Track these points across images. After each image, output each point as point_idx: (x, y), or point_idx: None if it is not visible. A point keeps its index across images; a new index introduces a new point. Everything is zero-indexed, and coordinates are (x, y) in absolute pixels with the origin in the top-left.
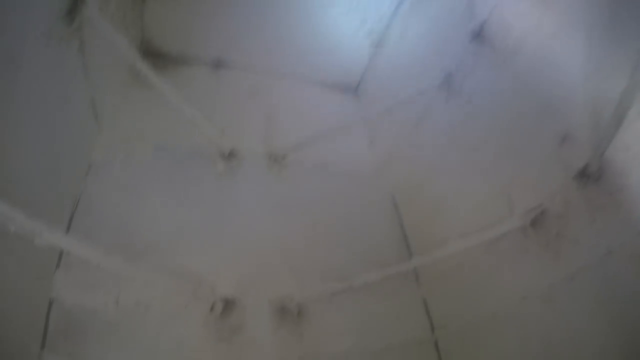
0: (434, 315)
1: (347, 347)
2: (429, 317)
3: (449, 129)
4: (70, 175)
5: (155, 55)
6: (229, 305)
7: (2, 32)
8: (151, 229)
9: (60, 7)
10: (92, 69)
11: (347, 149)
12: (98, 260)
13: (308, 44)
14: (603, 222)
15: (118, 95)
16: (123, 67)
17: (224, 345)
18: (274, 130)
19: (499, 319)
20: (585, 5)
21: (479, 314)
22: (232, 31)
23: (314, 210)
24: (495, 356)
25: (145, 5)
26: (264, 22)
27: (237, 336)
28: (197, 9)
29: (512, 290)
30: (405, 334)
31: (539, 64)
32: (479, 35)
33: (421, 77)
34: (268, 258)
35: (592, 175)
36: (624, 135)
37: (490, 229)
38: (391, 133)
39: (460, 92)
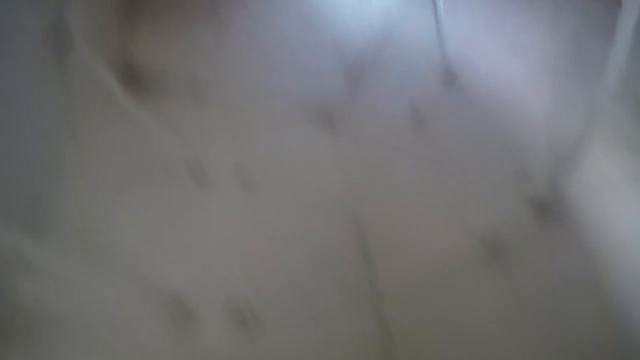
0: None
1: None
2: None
3: (417, 157)
4: (43, 184)
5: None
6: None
7: None
8: (117, 235)
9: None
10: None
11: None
12: (61, 262)
13: (287, 73)
14: (559, 252)
15: (96, 116)
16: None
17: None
18: (244, 148)
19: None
20: (550, 52)
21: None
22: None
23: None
24: None
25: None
26: (250, 51)
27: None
28: None
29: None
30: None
31: (506, 102)
32: (448, 73)
33: (393, 113)
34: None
35: (547, 208)
36: (580, 172)
37: (448, 252)
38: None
39: (429, 127)
